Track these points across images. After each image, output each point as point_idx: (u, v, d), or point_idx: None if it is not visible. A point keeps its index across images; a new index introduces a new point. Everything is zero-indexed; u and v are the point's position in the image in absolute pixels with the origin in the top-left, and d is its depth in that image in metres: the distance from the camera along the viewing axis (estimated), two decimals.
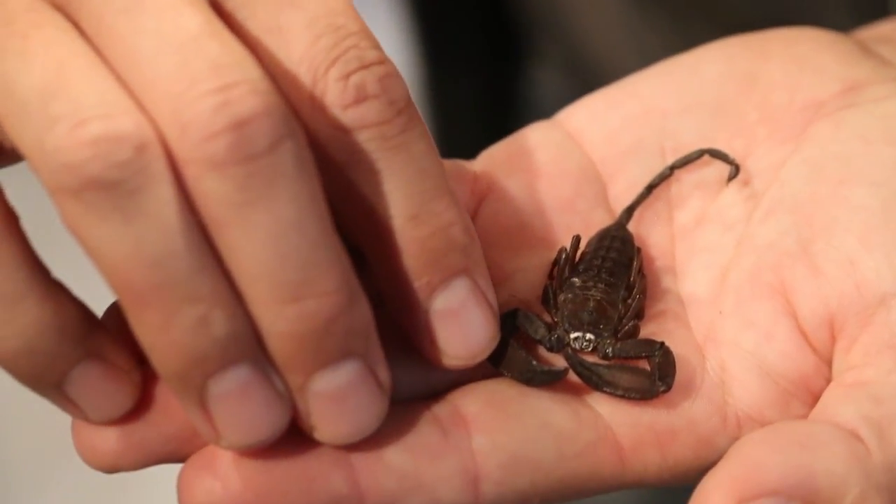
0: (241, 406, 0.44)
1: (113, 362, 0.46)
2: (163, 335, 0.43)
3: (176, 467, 0.47)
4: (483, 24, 0.98)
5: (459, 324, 0.47)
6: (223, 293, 0.43)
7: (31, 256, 0.44)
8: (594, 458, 0.48)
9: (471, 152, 0.57)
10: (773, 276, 0.51)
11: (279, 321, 0.43)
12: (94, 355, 0.46)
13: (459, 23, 0.99)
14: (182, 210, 0.42)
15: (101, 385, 0.46)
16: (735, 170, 0.54)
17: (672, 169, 0.55)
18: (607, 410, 0.49)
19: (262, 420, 0.44)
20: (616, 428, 0.49)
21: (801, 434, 0.46)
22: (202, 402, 0.44)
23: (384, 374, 0.46)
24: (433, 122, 0.98)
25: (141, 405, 0.47)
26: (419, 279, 0.47)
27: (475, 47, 0.99)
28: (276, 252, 0.43)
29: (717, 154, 0.55)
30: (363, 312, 0.45)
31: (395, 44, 0.97)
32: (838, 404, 0.47)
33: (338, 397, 0.45)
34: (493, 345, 0.48)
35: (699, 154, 0.55)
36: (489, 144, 0.57)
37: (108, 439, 0.46)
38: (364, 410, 0.45)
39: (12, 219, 0.44)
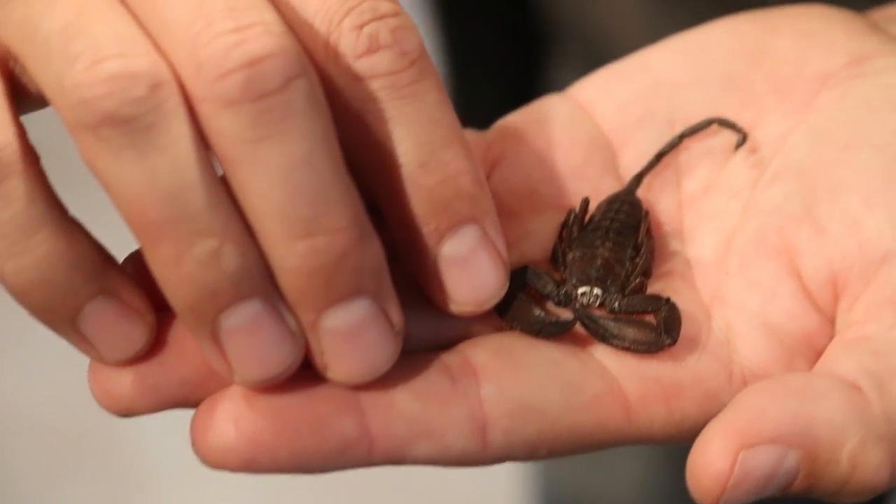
0: (252, 340, 0.45)
1: (127, 301, 0.47)
2: (176, 269, 0.44)
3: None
4: (506, 24, 0.99)
5: (468, 270, 0.48)
6: (235, 229, 0.44)
7: (48, 192, 0.45)
8: (601, 410, 0.48)
9: None
10: (777, 238, 0.52)
11: (290, 257, 0.44)
12: (108, 292, 0.46)
13: (483, 23, 1.00)
14: (196, 146, 0.43)
15: (114, 322, 0.46)
16: (742, 137, 0.55)
17: (681, 137, 0.56)
18: (614, 364, 0.49)
19: (274, 355, 0.45)
20: (622, 381, 0.49)
21: (801, 384, 0.46)
22: (215, 336, 0.45)
23: (396, 315, 0.46)
24: None
25: (155, 349, 0.47)
26: (427, 226, 0.47)
27: (498, 48, 1.00)
28: (288, 188, 0.43)
29: (725, 123, 0.56)
30: (374, 251, 0.45)
31: None
32: (839, 358, 0.48)
33: (349, 335, 0.45)
34: (502, 293, 0.49)
35: (708, 123, 0.56)
36: None
37: (124, 382, 0.47)
38: (376, 349, 0.46)
39: (32, 157, 0.45)
